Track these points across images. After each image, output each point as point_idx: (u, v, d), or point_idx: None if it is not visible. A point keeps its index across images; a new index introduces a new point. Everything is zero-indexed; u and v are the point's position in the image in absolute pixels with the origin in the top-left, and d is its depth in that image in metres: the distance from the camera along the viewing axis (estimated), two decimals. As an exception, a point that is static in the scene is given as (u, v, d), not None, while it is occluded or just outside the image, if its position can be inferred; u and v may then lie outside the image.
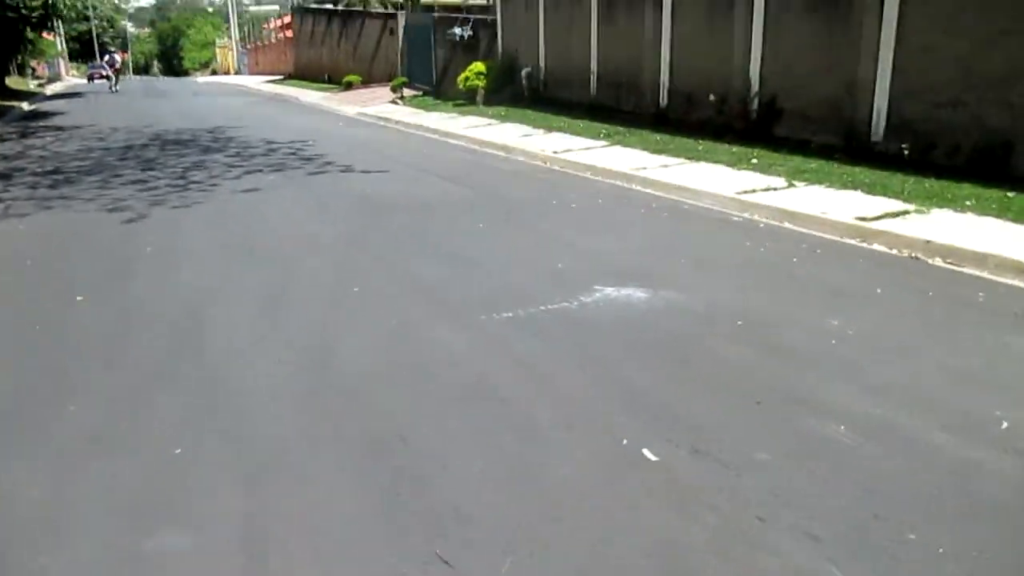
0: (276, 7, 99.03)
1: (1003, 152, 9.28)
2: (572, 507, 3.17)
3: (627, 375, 4.42)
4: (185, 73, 57.45)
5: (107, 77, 34.21)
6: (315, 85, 29.11)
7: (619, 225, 8.21)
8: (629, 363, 4.59)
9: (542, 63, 17.95)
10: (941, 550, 2.86)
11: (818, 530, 2.97)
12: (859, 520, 3.03)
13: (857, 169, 10.13)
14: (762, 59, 12.37)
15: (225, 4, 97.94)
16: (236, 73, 44.59)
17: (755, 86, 12.53)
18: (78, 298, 6.10)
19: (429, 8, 26.53)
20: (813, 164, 10.61)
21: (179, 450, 3.79)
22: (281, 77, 34.92)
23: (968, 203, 8.35)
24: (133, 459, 3.73)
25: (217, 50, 52.99)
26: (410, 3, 26.44)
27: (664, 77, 14.40)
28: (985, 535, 2.96)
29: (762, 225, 8.19)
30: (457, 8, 23.62)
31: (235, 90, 30.75)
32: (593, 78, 16.37)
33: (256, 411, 4.12)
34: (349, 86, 25.44)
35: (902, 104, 10.43)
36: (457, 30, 20.72)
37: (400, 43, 24.73)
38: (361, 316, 5.50)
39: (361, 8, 28.99)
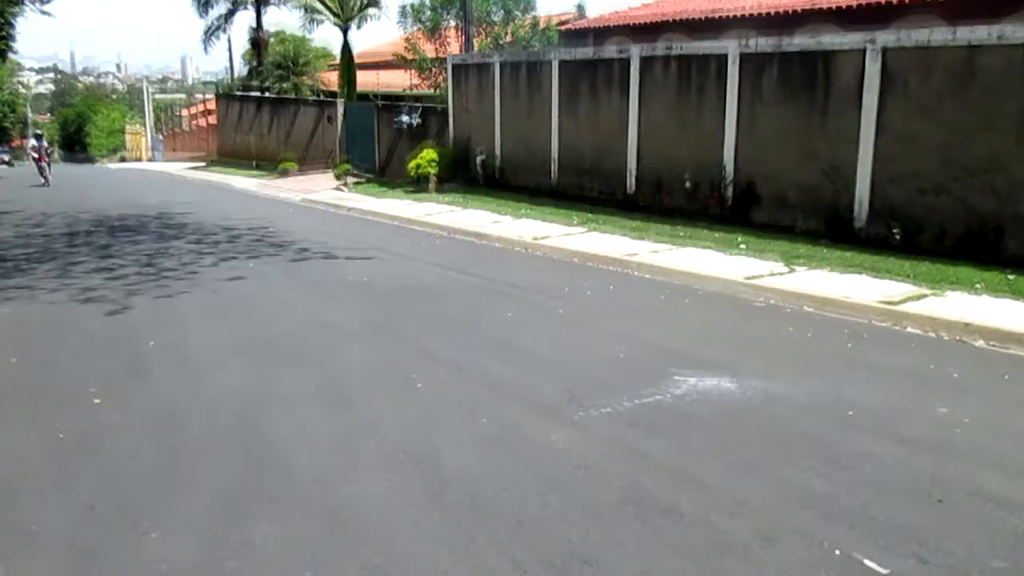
0: (182, 95, 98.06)
1: (994, 236, 9.56)
2: (844, 638, 2.76)
3: (785, 475, 4.06)
4: (90, 160, 55.42)
5: (38, 164, 24.23)
6: (243, 171, 28.34)
7: (648, 311, 7.96)
8: (777, 461, 4.24)
9: (498, 149, 17.92)
10: None
11: None
12: None
13: (848, 254, 10.25)
14: (737, 145, 12.60)
15: (128, 91, 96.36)
16: (150, 159, 43.27)
17: (730, 172, 12.72)
18: (95, 401, 5.37)
19: (364, 96, 26.47)
20: (802, 248, 10.69)
21: (314, 583, 3.19)
22: (203, 163, 33.96)
23: (977, 285, 8.48)
24: (262, 598, 3.11)
25: (127, 136, 51.44)
26: (346, 92, 26.29)
27: (632, 163, 14.51)
28: None
29: (788, 310, 8.08)
30: (398, 97, 23.61)
31: (159, 176, 29.60)
32: (554, 164, 16.39)
33: (388, 537, 3.56)
34: (285, 172, 24.83)
35: (885, 190, 10.70)
36: (405, 117, 20.57)
37: (339, 130, 24.44)
38: (444, 416, 4.99)
39: (294, 95, 28.67)
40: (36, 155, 24.62)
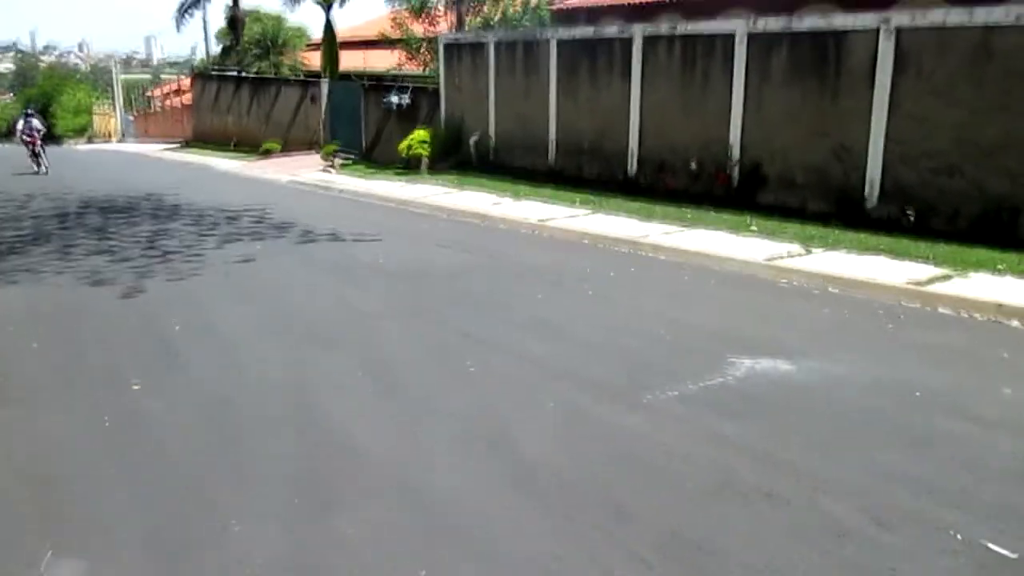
0: (148, 75, 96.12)
1: (1009, 217, 9.57)
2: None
3: (873, 457, 3.99)
4: (56, 140, 53.85)
5: (31, 150, 20.22)
6: (222, 152, 27.75)
7: (678, 293, 7.85)
8: (861, 443, 4.17)
9: (492, 130, 17.68)
10: None
11: None
12: None
13: (862, 235, 10.20)
14: (743, 127, 12.51)
15: (92, 71, 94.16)
16: (121, 141, 42.23)
17: (736, 154, 12.64)
18: (134, 387, 5.13)
19: (346, 77, 26.02)
20: (814, 230, 10.64)
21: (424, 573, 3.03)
22: (178, 144, 33.19)
23: (999, 267, 8.48)
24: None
25: (96, 117, 50.09)
26: (328, 72, 25.80)
27: (633, 144, 14.38)
28: None
29: (816, 291, 8.01)
30: (384, 77, 23.19)
31: (135, 157, 28.86)
32: (551, 145, 16.20)
33: (485, 525, 3.41)
34: (267, 153, 24.34)
35: (897, 171, 10.68)
36: (394, 98, 20.21)
37: (323, 111, 24.00)
38: (507, 400, 4.83)
39: (274, 75, 28.09)
40: (28, 138, 20.33)
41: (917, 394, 4.88)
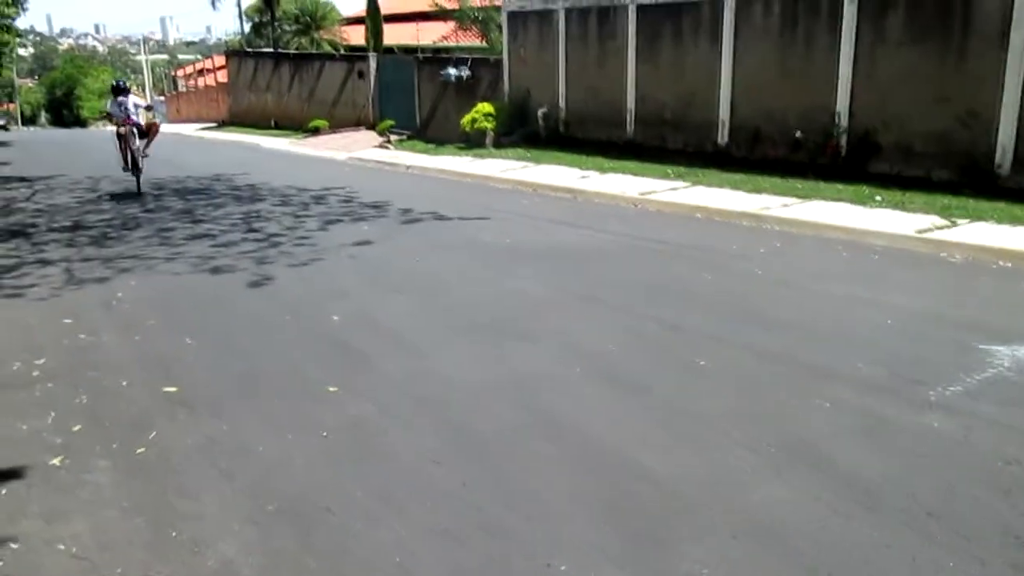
0: (164, 55, 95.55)
1: None
2: None
3: None
4: (82, 124, 53.56)
5: (129, 138, 12.74)
6: (264, 132, 27.14)
7: (850, 271, 7.27)
8: None
9: (562, 102, 17.01)
10: None
11: None
12: None
13: (1001, 205, 9.56)
14: (852, 91, 11.83)
15: (109, 53, 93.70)
16: (151, 121, 41.75)
17: (844, 120, 11.96)
18: (330, 389, 4.61)
19: (390, 51, 25.36)
20: (945, 201, 9.99)
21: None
22: (215, 124, 32.62)
23: None
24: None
25: (123, 98, 49.61)
26: (372, 46, 25.09)
27: (723, 113, 13.71)
28: None
29: (994, 266, 7.41)
30: (437, 50, 22.50)
31: (177, 138, 28.31)
32: (629, 116, 15.53)
33: (843, 554, 2.85)
34: (315, 131, 23.72)
35: (1035, 136, 10.00)
36: (452, 70, 19.51)
37: (372, 86, 23.35)
38: (770, 400, 4.29)
39: (315, 51, 27.41)
40: (121, 123, 12.86)
41: None
